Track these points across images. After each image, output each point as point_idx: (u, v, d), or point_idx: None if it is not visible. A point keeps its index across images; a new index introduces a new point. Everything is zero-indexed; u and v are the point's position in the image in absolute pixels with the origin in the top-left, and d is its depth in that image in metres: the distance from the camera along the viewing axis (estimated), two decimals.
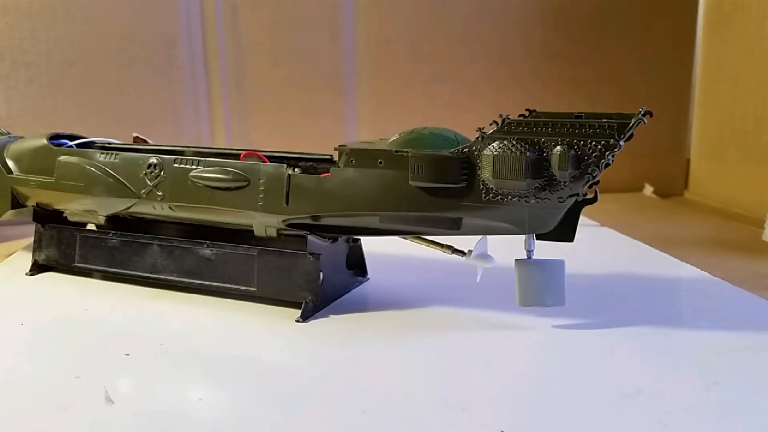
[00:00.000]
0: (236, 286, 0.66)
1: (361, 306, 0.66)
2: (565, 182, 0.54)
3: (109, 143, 0.79)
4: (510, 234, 0.57)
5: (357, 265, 0.72)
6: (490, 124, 0.56)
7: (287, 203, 0.62)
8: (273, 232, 0.64)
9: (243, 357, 0.55)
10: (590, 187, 0.55)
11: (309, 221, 0.62)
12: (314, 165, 0.67)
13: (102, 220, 0.71)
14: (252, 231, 0.64)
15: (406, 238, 0.65)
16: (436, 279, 0.74)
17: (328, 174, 0.61)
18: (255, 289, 0.65)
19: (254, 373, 0.52)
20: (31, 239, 0.77)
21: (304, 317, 0.62)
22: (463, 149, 0.56)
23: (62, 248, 0.74)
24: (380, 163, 0.59)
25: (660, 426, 0.43)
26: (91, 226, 0.74)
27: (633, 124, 0.52)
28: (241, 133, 1.24)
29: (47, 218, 0.76)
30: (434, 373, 0.52)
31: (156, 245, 0.69)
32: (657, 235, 0.97)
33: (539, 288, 0.58)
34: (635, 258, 0.85)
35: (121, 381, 0.50)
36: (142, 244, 0.70)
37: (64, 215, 0.75)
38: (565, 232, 0.57)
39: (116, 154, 0.70)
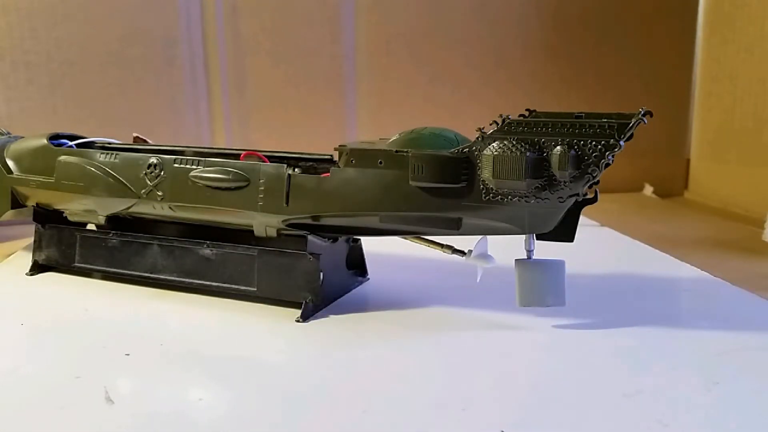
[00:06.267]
0: (236, 286, 0.66)
1: (361, 306, 0.66)
2: (565, 182, 0.53)
3: (109, 143, 0.79)
4: (510, 234, 0.57)
5: (357, 265, 0.72)
6: (490, 124, 0.56)
7: (287, 203, 0.62)
8: (273, 232, 0.64)
9: (243, 357, 0.55)
10: (590, 187, 0.55)
11: (309, 221, 0.62)
12: (314, 165, 0.67)
13: (102, 220, 0.71)
14: (252, 231, 0.64)
15: (406, 238, 0.65)
16: (436, 279, 0.74)
17: (328, 174, 0.61)
18: (255, 289, 0.65)
19: (254, 373, 0.52)
20: (31, 239, 0.77)
21: (304, 317, 0.61)
22: (463, 149, 0.56)
23: (62, 248, 0.74)
24: (380, 163, 0.59)
25: (660, 426, 0.43)
26: (91, 226, 0.74)
27: (633, 124, 0.52)
28: (241, 134, 1.24)
29: (47, 218, 0.76)
30: (434, 373, 0.52)
31: (156, 245, 0.69)
32: (657, 235, 0.97)
33: (539, 288, 0.58)
34: (635, 258, 0.85)
35: (121, 381, 0.50)
36: (142, 244, 0.70)
37: (64, 215, 0.75)
38: (565, 232, 0.57)
39: (116, 154, 0.70)
